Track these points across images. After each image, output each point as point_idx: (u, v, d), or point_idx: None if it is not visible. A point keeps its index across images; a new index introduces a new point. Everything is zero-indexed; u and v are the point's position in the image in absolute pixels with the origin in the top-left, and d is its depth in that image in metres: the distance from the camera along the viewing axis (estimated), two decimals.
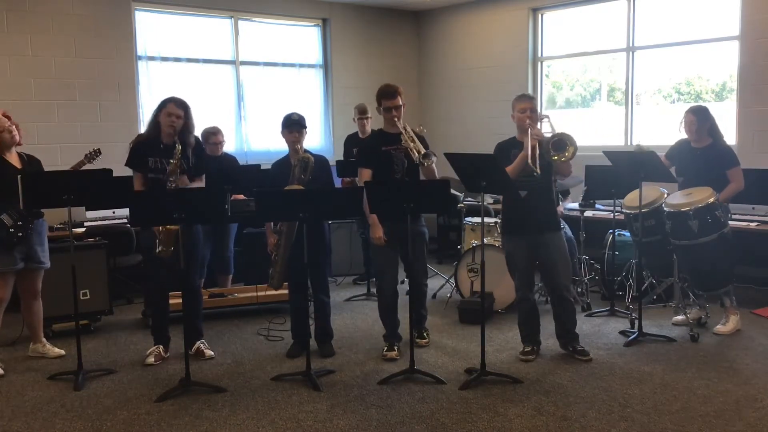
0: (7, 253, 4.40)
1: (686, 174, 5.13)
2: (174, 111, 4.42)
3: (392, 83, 4.74)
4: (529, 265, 4.61)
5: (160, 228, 4.36)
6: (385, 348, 4.70)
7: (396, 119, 4.59)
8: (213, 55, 7.90)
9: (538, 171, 4.24)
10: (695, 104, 5.54)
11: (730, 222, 5.06)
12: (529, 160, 4.23)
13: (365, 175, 4.60)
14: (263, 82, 8.23)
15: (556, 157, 4.28)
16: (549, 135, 4.37)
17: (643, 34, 7.34)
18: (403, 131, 4.54)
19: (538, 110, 4.47)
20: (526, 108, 4.40)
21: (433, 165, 4.53)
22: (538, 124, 4.41)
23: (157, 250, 4.38)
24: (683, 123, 5.09)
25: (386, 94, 4.63)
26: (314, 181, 4.56)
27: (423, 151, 4.43)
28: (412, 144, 4.47)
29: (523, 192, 4.36)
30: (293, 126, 4.58)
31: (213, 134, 5.92)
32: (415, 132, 4.60)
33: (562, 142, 4.29)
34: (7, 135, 4.40)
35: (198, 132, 5.98)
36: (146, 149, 4.49)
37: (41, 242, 4.61)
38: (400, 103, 4.62)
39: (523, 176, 4.33)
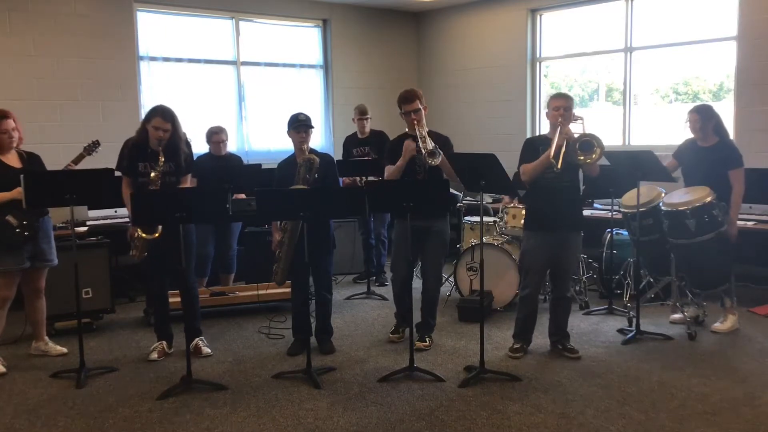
0: (14, 252, 4.42)
1: (691, 173, 5.10)
2: (161, 125, 4.43)
3: (413, 88, 4.92)
4: (544, 267, 4.61)
5: (135, 234, 4.42)
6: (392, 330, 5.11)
7: (415, 122, 4.68)
8: (214, 56, 7.92)
9: (559, 167, 4.25)
10: (699, 103, 5.55)
11: None
12: (552, 153, 4.25)
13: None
14: (264, 83, 8.26)
15: (582, 158, 4.27)
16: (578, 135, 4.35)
17: (641, 34, 7.36)
18: (419, 134, 4.61)
19: (573, 110, 4.43)
20: (560, 106, 4.41)
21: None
22: (572, 124, 4.39)
23: (131, 253, 4.46)
24: (688, 123, 5.08)
25: (405, 99, 4.77)
26: (321, 180, 4.61)
27: (429, 148, 4.52)
28: (422, 144, 4.57)
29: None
30: (300, 126, 4.64)
31: (215, 133, 6.01)
32: (432, 132, 4.70)
33: (589, 143, 4.26)
34: (6, 138, 4.40)
35: (203, 131, 6.05)
36: (136, 153, 4.51)
37: (48, 240, 4.62)
38: (419, 106, 4.73)
39: (548, 173, 4.36)
